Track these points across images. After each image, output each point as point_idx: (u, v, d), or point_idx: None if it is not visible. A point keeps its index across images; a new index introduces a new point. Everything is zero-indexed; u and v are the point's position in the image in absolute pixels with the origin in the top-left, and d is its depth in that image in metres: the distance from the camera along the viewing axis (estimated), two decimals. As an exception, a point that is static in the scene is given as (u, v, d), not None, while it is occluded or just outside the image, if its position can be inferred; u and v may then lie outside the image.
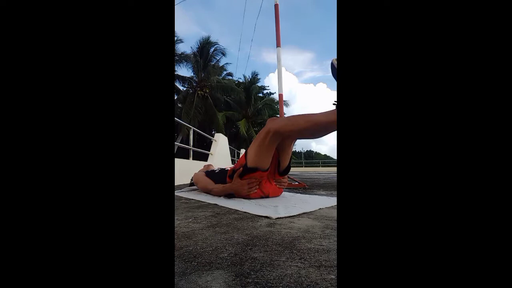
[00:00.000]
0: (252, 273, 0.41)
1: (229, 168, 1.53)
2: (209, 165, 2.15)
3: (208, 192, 1.59)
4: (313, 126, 1.14)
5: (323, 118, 1.10)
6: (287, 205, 1.09)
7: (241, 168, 1.32)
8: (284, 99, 2.47)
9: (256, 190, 1.34)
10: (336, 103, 1.14)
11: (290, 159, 1.44)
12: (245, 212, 0.98)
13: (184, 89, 15.40)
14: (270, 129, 1.22)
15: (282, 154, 1.38)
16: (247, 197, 1.35)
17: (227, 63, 16.77)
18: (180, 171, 2.89)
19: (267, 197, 1.39)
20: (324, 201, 1.21)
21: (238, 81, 18.54)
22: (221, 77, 16.70)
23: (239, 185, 1.32)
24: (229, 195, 1.40)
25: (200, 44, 15.07)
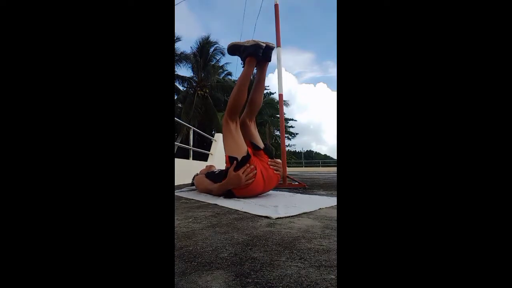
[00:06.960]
0: (252, 273, 0.41)
1: None
2: (210, 166, 2.15)
3: (208, 192, 1.60)
4: (235, 93, 1.45)
5: (238, 82, 1.49)
6: (287, 205, 1.09)
7: (234, 162, 1.35)
8: (284, 99, 2.48)
9: (254, 178, 1.35)
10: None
11: (261, 137, 1.62)
12: (245, 212, 0.98)
13: (184, 89, 15.38)
14: (224, 120, 1.49)
15: (250, 136, 1.58)
16: (249, 192, 1.36)
17: (227, 63, 16.74)
18: (180, 171, 2.89)
19: (265, 191, 1.43)
20: (324, 201, 1.21)
21: (238, 81, 18.47)
22: (221, 77, 16.68)
23: (236, 177, 1.33)
24: (229, 194, 1.40)
25: (200, 44, 15.04)
